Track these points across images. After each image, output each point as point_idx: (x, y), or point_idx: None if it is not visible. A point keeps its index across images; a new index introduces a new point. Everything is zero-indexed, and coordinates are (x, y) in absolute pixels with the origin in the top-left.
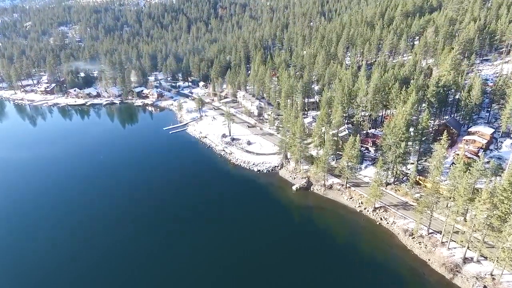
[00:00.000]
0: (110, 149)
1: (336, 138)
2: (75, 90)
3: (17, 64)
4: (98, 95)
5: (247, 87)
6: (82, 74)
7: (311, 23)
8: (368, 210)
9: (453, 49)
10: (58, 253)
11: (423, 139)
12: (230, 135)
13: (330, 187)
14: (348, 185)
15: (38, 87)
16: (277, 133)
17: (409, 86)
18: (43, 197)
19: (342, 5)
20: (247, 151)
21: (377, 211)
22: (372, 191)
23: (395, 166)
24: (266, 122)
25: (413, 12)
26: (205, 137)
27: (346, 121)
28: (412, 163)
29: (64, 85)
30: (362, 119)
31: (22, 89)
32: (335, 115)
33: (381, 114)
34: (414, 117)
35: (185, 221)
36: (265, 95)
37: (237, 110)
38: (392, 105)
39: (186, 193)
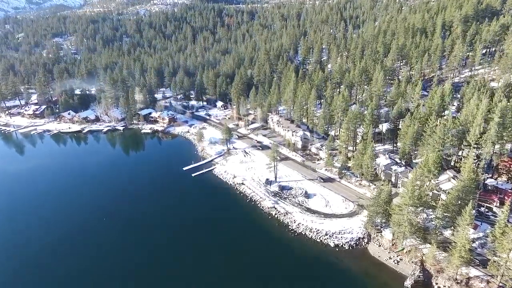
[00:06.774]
0: (115, 204)
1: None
2: (69, 113)
3: (2, 81)
4: (97, 119)
5: (279, 109)
6: (77, 92)
7: (331, 31)
8: None
9: None
10: None
11: None
12: (276, 181)
13: (466, 283)
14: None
15: (26, 110)
16: (340, 178)
17: None
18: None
19: (364, 11)
20: (308, 210)
21: None
22: None
23: None
24: (318, 161)
25: (473, 16)
26: (242, 183)
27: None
28: None
29: (57, 107)
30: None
31: (7, 112)
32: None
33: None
34: None
35: None
36: (304, 120)
37: (272, 141)
38: None
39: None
